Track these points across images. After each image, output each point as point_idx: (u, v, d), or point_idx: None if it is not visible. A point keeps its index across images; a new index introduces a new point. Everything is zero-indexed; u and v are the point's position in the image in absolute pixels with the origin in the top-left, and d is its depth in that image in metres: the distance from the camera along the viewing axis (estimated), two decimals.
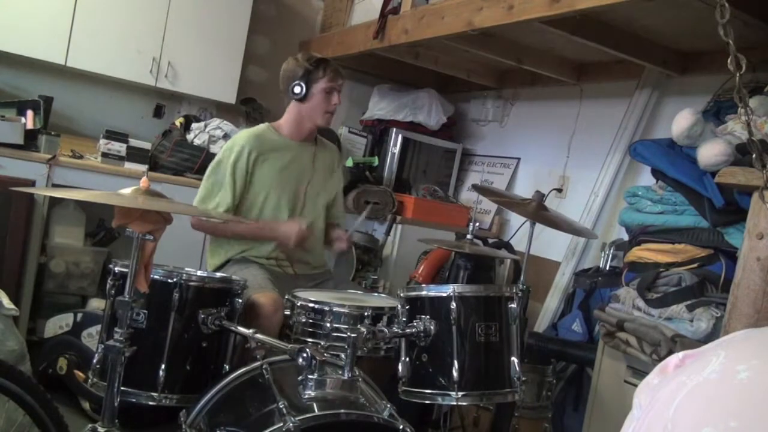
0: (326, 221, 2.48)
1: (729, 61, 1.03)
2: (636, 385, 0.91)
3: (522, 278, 2.16)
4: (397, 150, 3.81)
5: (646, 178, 2.71)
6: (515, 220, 3.57)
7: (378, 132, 4.01)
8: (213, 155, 3.26)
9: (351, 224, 2.62)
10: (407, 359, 1.68)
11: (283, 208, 2.31)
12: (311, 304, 1.79)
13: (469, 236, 2.21)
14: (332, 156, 2.53)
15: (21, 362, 1.98)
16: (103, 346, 1.60)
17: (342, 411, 1.37)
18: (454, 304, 1.64)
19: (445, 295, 1.67)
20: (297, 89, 2.29)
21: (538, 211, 2.16)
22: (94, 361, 1.65)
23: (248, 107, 3.85)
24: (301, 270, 2.33)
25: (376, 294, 2.35)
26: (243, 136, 2.33)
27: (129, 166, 3.10)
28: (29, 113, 3.00)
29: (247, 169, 2.26)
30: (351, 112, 4.19)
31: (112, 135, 3.15)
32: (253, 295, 1.91)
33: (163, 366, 1.60)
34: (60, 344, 2.52)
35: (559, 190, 3.31)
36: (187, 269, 1.80)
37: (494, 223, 3.67)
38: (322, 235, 2.46)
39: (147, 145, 3.21)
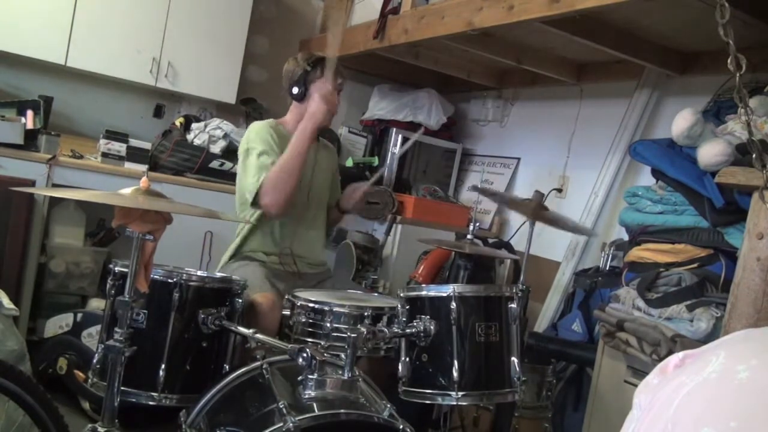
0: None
1: (729, 61, 1.03)
2: (636, 385, 0.91)
3: (522, 278, 2.16)
4: (397, 150, 3.81)
5: (646, 178, 2.71)
6: (515, 220, 3.57)
7: (378, 132, 4.01)
8: (213, 155, 3.29)
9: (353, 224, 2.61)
10: (407, 359, 1.68)
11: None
12: (311, 304, 1.79)
13: (469, 236, 2.21)
14: (332, 156, 2.57)
15: (21, 362, 1.98)
16: (103, 346, 1.60)
17: (342, 411, 1.37)
18: (454, 304, 1.64)
19: (445, 295, 1.66)
20: (296, 90, 2.30)
21: (538, 211, 2.17)
22: (94, 361, 1.65)
23: (248, 107, 3.85)
24: (302, 268, 2.34)
25: (376, 294, 2.35)
26: (261, 126, 2.29)
27: (129, 166, 3.10)
28: (29, 113, 3.00)
29: (278, 153, 2.22)
30: (351, 112, 4.19)
31: (112, 135, 3.15)
32: (252, 295, 1.92)
33: (163, 366, 1.59)
34: (60, 344, 2.52)
35: (559, 190, 3.31)
36: (187, 269, 1.80)
37: (494, 223, 3.67)
38: (324, 233, 2.47)
39: (147, 145, 3.21)
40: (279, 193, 2.12)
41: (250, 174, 2.17)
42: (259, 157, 2.18)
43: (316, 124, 2.18)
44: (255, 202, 2.15)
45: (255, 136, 2.24)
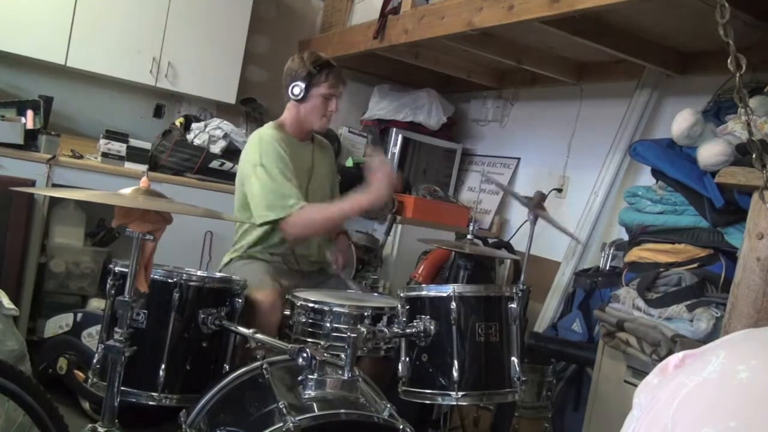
0: None
1: (729, 61, 1.04)
2: (636, 385, 0.91)
3: (522, 278, 2.16)
4: (397, 150, 3.81)
5: (646, 178, 2.71)
6: (515, 220, 3.58)
7: (378, 132, 4.01)
8: (213, 155, 3.29)
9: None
10: (407, 359, 1.68)
11: None
12: (311, 304, 1.79)
13: (469, 236, 2.21)
14: (329, 154, 2.55)
15: (21, 362, 1.98)
16: (103, 346, 1.60)
17: (342, 411, 1.37)
18: (454, 304, 1.64)
19: (445, 295, 1.67)
20: (296, 90, 2.28)
21: (538, 209, 2.17)
22: (94, 361, 1.65)
23: (248, 107, 3.86)
24: (304, 267, 2.34)
25: (376, 294, 2.35)
26: (267, 134, 2.25)
27: (129, 166, 3.10)
28: (29, 113, 3.00)
29: (288, 162, 2.21)
30: (351, 112, 4.19)
31: (112, 135, 3.15)
32: (252, 290, 1.91)
33: (163, 366, 1.60)
34: (60, 344, 2.52)
35: (559, 190, 3.31)
36: (187, 269, 1.80)
37: (494, 223, 3.67)
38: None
39: (147, 145, 3.21)
40: (307, 232, 2.21)
41: (272, 190, 2.12)
42: (279, 175, 2.14)
43: (371, 205, 2.17)
44: (274, 220, 2.13)
45: (268, 149, 2.18)
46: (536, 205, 2.20)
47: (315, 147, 2.45)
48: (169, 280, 1.62)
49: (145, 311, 1.58)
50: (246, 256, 2.28)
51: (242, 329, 1.64)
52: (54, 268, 2.95)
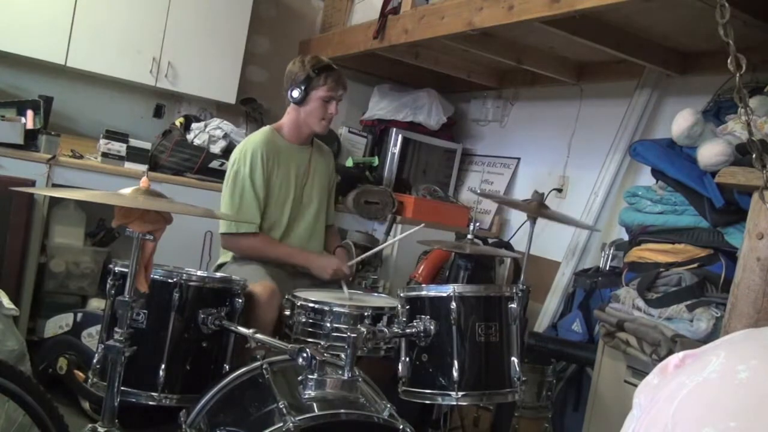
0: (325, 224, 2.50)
1: (729, 61, 1.04)
2: (636, 385, 0.91)
3: (522, 278, 2.16)
4: (397, 150, 3.81)
5: (646, 178, 2.71)
6: (515, 220, 3.57)
7: (378, 132, 4.01)
8: (213, 155, 3.29)
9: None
10: (407, 359, 1.68)
11: (286, 211, 2.33)
12: (311, 304, 1.80)
13: (469, 236, 2.21)
14: (327, 160, 2.56)
15: (21, 362, 1.98)
16: (103, 346, 1.60)
17: (342, 411, 1.37)
18: (454, 304, 1.64)
19: (445, 295, 1.67)
20: (296, 93, 2.29)
21: (538, 210, 2.17)
22: (94, 361, 1.65)
23: (248, 107, 3.85)
24: (302, 268, 2.34)
25: (376, 294, 2.35)
26: (254, 142, 2.30)
27: (129, 166, 3.09)
28: (29, 113, 3.00)
29: (265, 178, 2.26)
30: (351, 112, 4.19)
31: (112, 135, 3.15)
32: (249, 284, 1.91)
33: (163, 366, 1.60)
34: (60, 344, 2.52)
35: (559, 190, 3.31)
36: (187, 269, 1.80)
37: (494, 223, 3.67)
38: (322, 237, 2.47)
39: (147, 145, 3.20)
40: (244, 255, 2.28)
41: (227, 201, 2.26)
42: (249, 192, 2.24)
43: (309, 269, 2.27)
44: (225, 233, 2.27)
45: (249, 157, 2.26)
46: (536, 206, 2.19)
47: (314, 151, 2.45)
48: (169, 280, 1.63)
49: (145, 311, 1.59)
50: (243, 257, 2.28)
51: (242, 329, 1.65)
52: (54, 268, 2.95)
